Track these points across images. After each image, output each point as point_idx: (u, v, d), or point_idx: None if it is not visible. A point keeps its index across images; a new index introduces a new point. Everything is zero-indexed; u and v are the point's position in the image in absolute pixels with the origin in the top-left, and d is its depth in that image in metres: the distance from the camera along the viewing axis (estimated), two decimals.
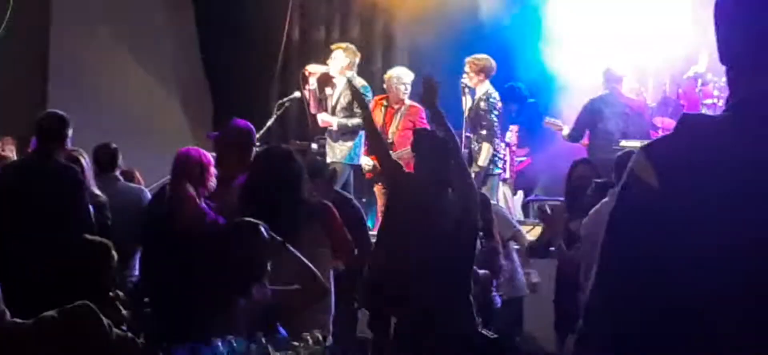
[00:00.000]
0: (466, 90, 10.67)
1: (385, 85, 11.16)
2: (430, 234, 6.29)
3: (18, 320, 4.06)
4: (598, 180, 7.44)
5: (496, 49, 11.42)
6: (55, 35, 12.14)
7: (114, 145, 8.40)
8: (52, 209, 7.02)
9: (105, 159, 8.28)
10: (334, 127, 10.65)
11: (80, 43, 12.08)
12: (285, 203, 5.84)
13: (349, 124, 10.62)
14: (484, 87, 10.64)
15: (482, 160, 10.36)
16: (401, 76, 11.05)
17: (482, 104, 10.56)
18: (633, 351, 2.04)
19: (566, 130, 11.14)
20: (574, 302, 6.86)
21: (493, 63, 10.67)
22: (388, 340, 6.45)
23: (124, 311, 4.47)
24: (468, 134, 10.60)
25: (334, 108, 10.76)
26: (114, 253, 4.98)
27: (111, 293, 4.46)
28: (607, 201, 6.69)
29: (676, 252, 1.96)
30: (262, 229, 5.10)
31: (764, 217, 1.92)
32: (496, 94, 10.61)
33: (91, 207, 7.24)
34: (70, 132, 7.42)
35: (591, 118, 10.95)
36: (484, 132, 10.50)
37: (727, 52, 2.12)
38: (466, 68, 10.67)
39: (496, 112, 10.50)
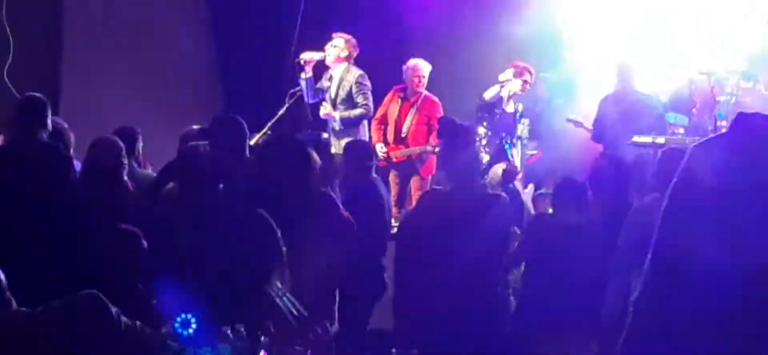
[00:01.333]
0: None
1: (404, 77, 11.14)
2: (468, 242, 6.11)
3: (25, 309, 4.05)
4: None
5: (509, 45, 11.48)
6: (69, 20, 12.15)
7: (134, 129, 8.33)
8: (40, 190, 6.98)
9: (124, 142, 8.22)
10: (337, 120, 10.61)
11: (94, 30, 12.09)
12: (292, 193, 5.84)
13: (352, 116, 10.59)
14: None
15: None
16: (418, 67, 11.05)
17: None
18: (682, 346, 2.01)
19: (585, 132, 11.28)
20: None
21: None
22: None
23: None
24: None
25: (334, 100, 10.73)
26: (144, 242, 5.00)
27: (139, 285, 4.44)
28: (649, 201, 6.65)
29: (735, 249, 1.93)
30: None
31: None
32: None
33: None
34: (49, 113, 7.40)
35: (606, 114, 10.97)
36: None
37: None
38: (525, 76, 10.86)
39: None
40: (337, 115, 10.61)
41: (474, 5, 12.33)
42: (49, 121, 7.37)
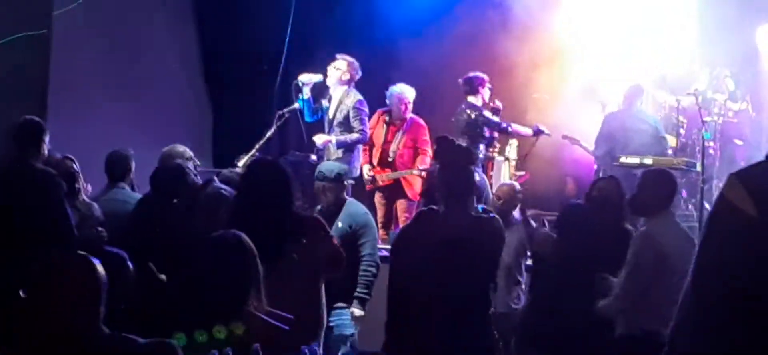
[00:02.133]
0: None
1: (387, 101, 11.14)
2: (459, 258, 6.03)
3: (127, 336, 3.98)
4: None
5: (493, 64, 11.52)
6: (55, 46, 12.12)
7: (126, 152, 8.30)
8: (30, 216, 6.96)
9: (117, 167, 8.19)
10: (333, 144, 10.61)
11: (80, 54, 12.05)
12: (273, 216, 5.82)
13: (348, 140, 10.57)
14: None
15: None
16: (402, 94, 11.06)
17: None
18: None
19: (591, 147, 11.30)
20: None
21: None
22: None
23: None
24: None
25: (330, 121, 10.72)
26: (129, 265, 4.96)
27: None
28: (654, 226, 6.66)
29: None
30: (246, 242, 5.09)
31: None
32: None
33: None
34: (46, 138, 7.38)
35: (610, 133, 11.00)
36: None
37: None
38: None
39: None
40: (333, 139, 10.57)
41: (459, 25, 12.34)
42: (43, 146, 7.35)
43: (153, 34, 12.78)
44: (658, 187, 6.86)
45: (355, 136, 10.57)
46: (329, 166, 8.47)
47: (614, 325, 6.69)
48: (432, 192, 6.60)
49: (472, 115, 10.93)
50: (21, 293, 3.94)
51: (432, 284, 5.90)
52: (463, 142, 9.94)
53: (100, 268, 3.91)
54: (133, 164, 8.32)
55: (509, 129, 11.18)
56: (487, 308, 6.13)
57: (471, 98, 11.06)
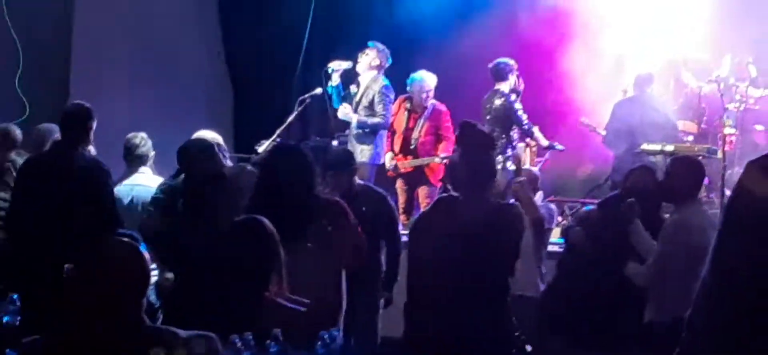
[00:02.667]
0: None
1: (408, 89, 11.17)
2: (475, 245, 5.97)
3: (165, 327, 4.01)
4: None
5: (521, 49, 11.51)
6: (78, 29, 12.17)
7: (142, 136, 8.35)
8: (78, 202, 7.06)
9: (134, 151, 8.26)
10: (353, 123, 10.68)
11: (103, 37, 12.11)
12: (295, 200, 5.84)
13: (369, 122, 10.66)
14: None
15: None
16: (424, 82, 11.08)
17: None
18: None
19: (599, 136, 11.28)
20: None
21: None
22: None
23: None
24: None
25: (356, 105, 10.81)
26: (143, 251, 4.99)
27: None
28: (685, 214, 6.66)
29: None
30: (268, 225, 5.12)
31: None
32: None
33: None
34: (94, 124, 7.46)
35: (620, 121, 10.99)
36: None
37: None
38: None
39: None
40: (354, 117, 10.69)
41: (480, 15, 12.33)
42: (91, 133, 7.42)
43: (175, 20, 12.80)
44: (688, 174, 6.85)
45: (376, 119, 10.67)
46: (335, 152, 8.47)
47: (643, 311, 6.69)
48: (452, 178, 6.56)
49: (500, 103, 10.96)
50: (65, 271, 3.94)
51: (450, 271, 5.89)
52: (491, 129, 10.06)
53: (147, 256, 3.90)
54: (152, 149, 8.37)
55: (530, 130, 11.13)
56: (506, 295, 6.11)
57: (499, 85, 11.07)
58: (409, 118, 11.12)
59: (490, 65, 11.17)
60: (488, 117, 10.94)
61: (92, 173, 7.25)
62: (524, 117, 11.08)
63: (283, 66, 13.23)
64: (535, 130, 11.18)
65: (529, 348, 6.70)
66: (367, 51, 10.92)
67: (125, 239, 4.02)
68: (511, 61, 11.19)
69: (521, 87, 11.31)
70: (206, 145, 7.20)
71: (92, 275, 3.83)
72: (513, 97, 11.07)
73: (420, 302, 6.12)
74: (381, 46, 11.00)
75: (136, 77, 12.17)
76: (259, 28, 13.21)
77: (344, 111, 10.79)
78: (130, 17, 12.34)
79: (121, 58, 12.19)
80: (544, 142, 11.34)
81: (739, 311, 2.04)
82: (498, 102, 10.99)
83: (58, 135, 8.01)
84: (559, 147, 11.35)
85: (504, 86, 11.08)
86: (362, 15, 13.39)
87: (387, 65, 10.95)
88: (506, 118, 10.99)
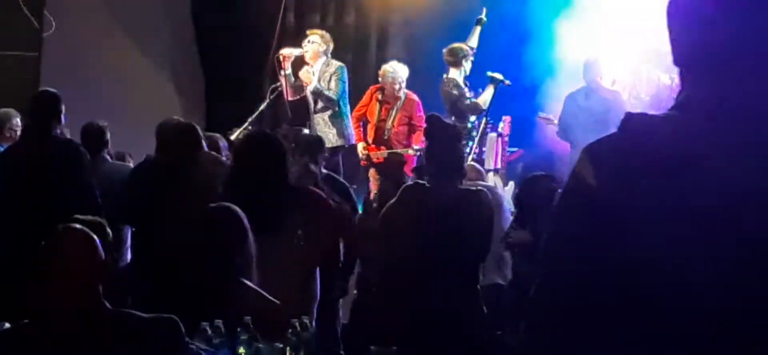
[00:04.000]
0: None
1: (380, 79, 11.16)
2: (441, 232, 6.00)
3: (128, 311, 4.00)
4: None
5: (496, 39, 11.49)
6: (49, 19, 12.12)
7: (102, 123, 8.37)
8: (57, 187, 7.04)
9: (93, 138, 8.26)
10: (310, 87, 10.76)
11: (75, 25, 12.05)
12: (269, 189, 5.83)
13: (325, 93, 10.70)
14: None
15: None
16: (396, 72, 11.07)
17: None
18: (574, 347, 2.05)
19: (555, 129, 11.24)
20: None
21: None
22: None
23: None
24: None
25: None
26: (108, 231, 4.98)
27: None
28: None
29: (617, 251, 1.97)
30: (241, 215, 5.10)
31: (704, 214, 1.94)
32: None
33: None
34: (63, 109, 7.44)
35: (571, 112, 10.96)
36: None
37: (678, 54, 2.15)
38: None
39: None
40: (313, 83, 10.71)
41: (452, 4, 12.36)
42: (62, 116, 7.41)
43: (146, 7, 12.76)
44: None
45: (330, 94, 10.69)
46: (305, 137, 8.45)
47: None
48: (424, 172, 6.60)
49: (456, 94, 10.77)
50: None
51: (420, 258, 5.91)
52: (450, 117, 10.03)
53: (98, 242, 3.89)
54: (109, 135, 8.37)
55: (483, 108, 10.93)
56: (476, 281, 6.14)
57: (453, 71, 10.91)
58: (381, 109, 11.13)
59: (445, 50, 11.02)
60: (446, 106, 10.85)
61: (69, 155, 7.24)
62: (472, 101, 10.81)
63: (254, 54, 13.20)
64: (479, 100, 10.86)
65: (498, 333, 6.70)
66: (310, 39, 10.94)
67: (78, 226, 4.01)
68: (465, 47, 11.06)
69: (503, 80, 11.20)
70: (186, 128, 7.17)
71: (48, 263, 3.85)
72: (460, 86, 10.83)
73: (390, 290, 6.13)
74: (321, 31, 11.09)
75: (107, 66, 12.11)
76: (231, 16, 13.17)
77: (307, 74, 10.76)
78: (101, 8, 12.29)
79: (91, 49, 12.13)
80: (490, 90, 10.98)
81: (571, 296, 2.12)
82: (452, 93, 10.81)
83: (16, 120, 8.04)
84: (499, 78, 10.95)
85: (458, 73, 10.91)
86: (334, 2, 13.39)
87: (332, 46, 10.96)
88: (461, 109, 10.85)
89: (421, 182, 6.26)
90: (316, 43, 10.85)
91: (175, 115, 8.52)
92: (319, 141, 8.28)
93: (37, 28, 11.95)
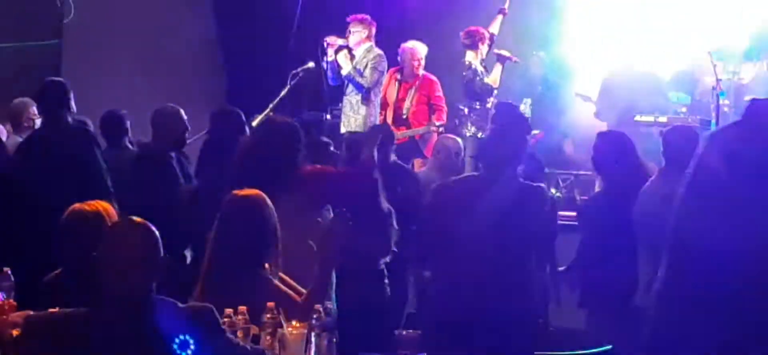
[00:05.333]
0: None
1: (399, 58, 11.15)
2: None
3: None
4: None
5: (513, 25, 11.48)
6: (68, 15, 12.15)
7: (121, 112, 8.39)
8: (70, 171, 7.07)
9: (113, 126, 8.28)
10: (344, 72, 10.79)
11: (95, 18, 12.07)
12: (274, 171, 5.83)
13: (357, 79, 10.72)
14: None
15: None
16: (415, 50, 11.07)
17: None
18: (702, 331, 2.02)
19: (592, 108, 11.23)
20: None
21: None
22: None
23: None
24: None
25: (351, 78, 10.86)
26: (114, 215, 5.01)
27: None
28: (653, 185, 6.70)
29: (744, 236, 1.93)
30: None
31: None
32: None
33: None
34: (71, 96, 7.48)
35: (609, 91, 10.96)
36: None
37: None
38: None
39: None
40: (348, 66, 10.76)
41: None
42: (71, 103, 7.46)
43: None
44: (686, 143, 6.85)
45: (362, 80, 10.68)
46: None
47: None
48: (481, 157, 6.59)
49: (470, 77, 10.85)
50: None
51: (474, 248, 5.89)
52: (465, 100, 10.10)
53: (157, 234, 4.00)
54: (129, 124, 8.40)
55: (494, 87, 10.98)
56: (529, 274, 6.12)
57: (470, 54, 10.94)
58: (399, 89, 11.11)
59: (462, 33, 11.06)
60: (462, 88, 10.90)
61: (79, 142, 7.27)
62: (483, 84, 10.86)
63: (274, 40, 13.18)
64: (489, 78, 10.91)
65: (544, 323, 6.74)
66: (351, 28, 10.95)
67: (140, 220, 4.07)
68: (484, 30, 11.08)
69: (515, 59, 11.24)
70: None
71: (110, 253, 3.95)
72: (475, 68, 10.89)
73: (441, 278, 6.13)
74: (360, 17, 11.03)
75: (128, 53, 12.13)
76: (251, 2, 13.16)
77: (344, 58, 10.79)
78: None
79: (112, 37, 12.14)
80: (499, 68, 11.05)
81: (699, 281, 2.08)
82: (466, 75, 10.88)
83: (33, 109, 8.12)
84: (507, 54, 11.10)
85: (474, 56, 10.95)
86: None
87: (374, 30, 10.96)
88: (476, 91, 10.89)
89: (474, 174, 6.23)
90: (358, 32, 10.87)
91: (195, 102, 8.51)
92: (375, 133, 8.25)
93: (58, 14, 11.97)
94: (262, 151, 5.98)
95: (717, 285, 2.05)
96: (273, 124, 6.53)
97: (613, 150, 7.10)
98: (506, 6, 11.37)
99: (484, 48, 10.99)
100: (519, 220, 5.96)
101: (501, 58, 11.03)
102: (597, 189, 7.72)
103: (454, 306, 5.99)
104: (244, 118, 7.54)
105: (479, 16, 11.66)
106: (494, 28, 11.27)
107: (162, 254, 4.00)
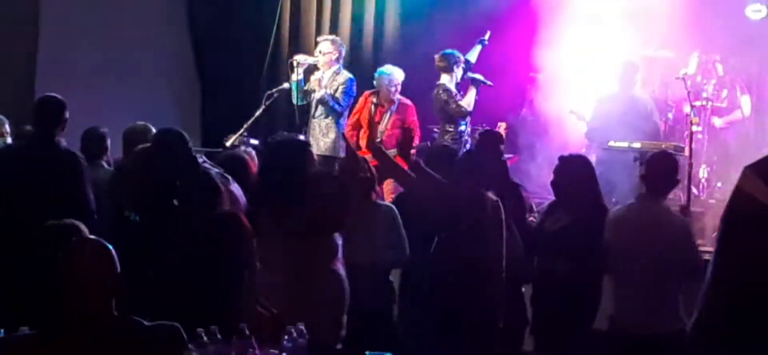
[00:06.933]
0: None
1: (375, 83, 11.15)
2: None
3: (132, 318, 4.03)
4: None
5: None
6: (44, 24, 12.10)
7: (103, 129, 8.37)
8: (54, 194, 7.03)
9: (93, 144, 8.26)
10: (317, 96, 10.76)
11: (69, 32, 12.02)
12: (290, 185, 5.85)
13: (330, 103, 10.71)
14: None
15: None
16: (392, 75, 11.08)
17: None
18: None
19: (584, 127, 11.21)
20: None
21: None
22: None
23: None
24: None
25: (319, 100, 10.83)
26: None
27: None
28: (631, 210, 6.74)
29: None
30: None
31: None
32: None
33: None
34: (67, 115, 7.45)
35: (601, 115, 10.95)
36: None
37: None
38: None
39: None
40: (321, 91, 10.74)
41: (445, 10, 12.38)
42: (65, 123, 7.42)
43: (142, 13, 12.72)
44: (666, 169, 6.90)
45: (335, 105, 10.68)
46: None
47: None
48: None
49: (444, 99, 10.85)
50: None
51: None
52: (440, 123, 10.13)
53: (113, 253, 3.97)
54: (109, 142, 8.38)
55: (468, 110, 10.96)
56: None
57: (445, 76, 10.96)
58: (375, 112, 11.10)
59: (437, 55, 11.06)
60: (436, 111, 10.92)
61: (69, 164, 7.25)
62: (459, 107, 10.85)
63: (250, 61, 13.18)
64: (463, 103, 10.90)
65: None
66: (321, 48, 10.97)
67: (95, 238, 4.07)
68: (458, 54, 11.09)
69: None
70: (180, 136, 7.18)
71: (65, 273, 3.91)
72: (449, 90, 10.89)
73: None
74: (331, 37, 11.10)
75: (103, 72, 12.08)
76: (227, 23, 13.15)
77: (315, 81, 10.77)
78: (97, 12, 12.25)
79: (87, 53, 12.09)
80: (473, 92, 11.05)
81: (743, 312, 2.07)
82: (442, 98, 10.87)
83: (7, 126, 8.08)
84: (480, 78, 11.12)
85: (450, 79, 10.95)
86: (330, 9, 13.37)
87: (344, 54, 10.98)
88: (450, 115, 10.88)
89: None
90: (328, 53, 10.87)
91: (169, 120, 8.49)
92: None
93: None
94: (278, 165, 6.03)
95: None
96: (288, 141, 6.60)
97: (574, 173, 7.07)
98: (486, 38, 11.40)
99: (458, 71, 11.01)
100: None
101: (475, 82, 11.06)
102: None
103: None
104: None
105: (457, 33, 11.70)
106: (472, 56, 11.30)
107: (119, 271, 3.96)
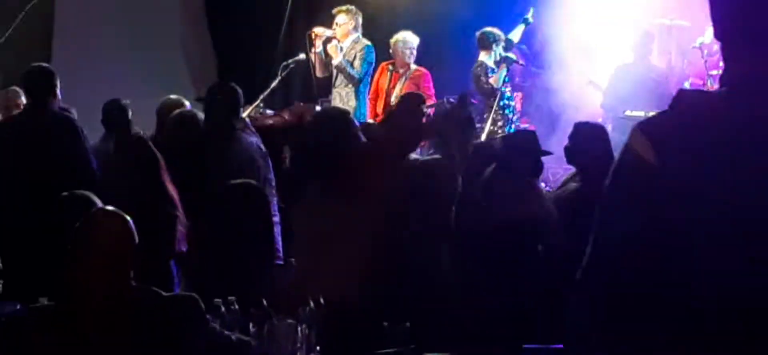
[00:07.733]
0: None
1: (390, 50, 11.16)
2: None
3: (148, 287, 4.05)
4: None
5: (506, 14, 11.45)
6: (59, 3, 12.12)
7: (124, 101, 8.36)
8: (54, 159, 7.04)
9: (114, 116, 8.25)
10: (335, 62, 10.81)
11: (86, 5, 12.04)
12: (331, 155, 5.86)
13: (348, 70, 10.76)
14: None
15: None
16: (407, 40, 11.09)
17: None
18: (622, 316, 2.05)
19: (601, 98, 11.18)
20: None
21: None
22: None
23: None
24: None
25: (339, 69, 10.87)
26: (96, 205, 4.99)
27: None
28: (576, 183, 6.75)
29: (673, 226, 1.96)
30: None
31: (759, 191, 1.94)
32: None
33: None
34: (58, 83, 7.43)
35: (617, 85, 10.91)
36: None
37: (721, 30, 2.14)
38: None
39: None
40: (339, 57, 10.78)
41: None
42: (57, 91, 7.42)
43: None
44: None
45: (353, 72, 10.71)
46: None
47: None
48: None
49: (478, 74, 10.89)
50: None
51: None
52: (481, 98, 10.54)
53: (132, 224, 4.00)
54: (130, 114, 8.36)
55: (494, 88, 10.97)
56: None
57: (483, 54, 10.99)
58: (391, 79, 11.13)
59: (477, 33, 11.11)
60: (474, 87, 10.92)
61: (64, 128, 7.23)
62: (488, 85, 10.87)
63: (266, 32, 13.17)
64: (491, 79, 10.92)
65: None
66: (337, 20, 10.99)
67: (113, 209, 4.07)
68: (497, 32, 11.10)
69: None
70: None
71: (84, 244, 3.94)
72: (486, 68, 10.91)
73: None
74: (346, 7, 11.07)
75: (118, 43, 12.10)
76: None
77: (334, 48, 10.79)
78: None
79: (104, 26, 12.11)
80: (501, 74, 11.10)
81: (625, 269, 2.10)
82: (479, 76, 10.90)
83: (21, 98, 8.10)
84: (516, 59, 11.15)
85: (488, 57, 10.99)
86: None
87: (360, 21, 11.00)
88: (488, 91, 10.90)
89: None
90: (344, 23, 10.88)
91: (185, 94, 8.49)
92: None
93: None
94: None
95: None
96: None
97: (589, 141, 7.03)
98: (529, 15, 11.36)
99: (498, 49, 11.00)
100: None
101: (506, 61, 11.03)
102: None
103: None
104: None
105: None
106: (515, 36, 11.28)
107: (137, 241, 3.99)
